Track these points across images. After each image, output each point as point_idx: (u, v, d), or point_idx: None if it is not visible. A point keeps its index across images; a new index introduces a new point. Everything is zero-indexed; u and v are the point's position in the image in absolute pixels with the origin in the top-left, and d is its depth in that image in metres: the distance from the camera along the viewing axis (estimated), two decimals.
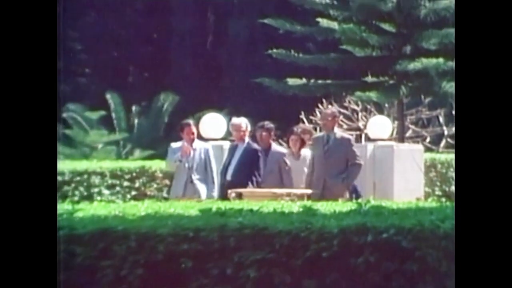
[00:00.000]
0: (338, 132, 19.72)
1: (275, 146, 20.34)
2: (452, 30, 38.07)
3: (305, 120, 30.36)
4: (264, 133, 19.92)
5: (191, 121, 20.34)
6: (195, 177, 18.89)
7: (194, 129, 19.59)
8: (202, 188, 18.74)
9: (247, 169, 18.59)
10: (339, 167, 18.97)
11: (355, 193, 19.09)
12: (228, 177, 18.71)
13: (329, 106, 24.03)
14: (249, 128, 19.62)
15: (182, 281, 7.17)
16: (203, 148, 19.28)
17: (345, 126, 31.17)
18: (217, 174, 19.09)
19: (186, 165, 18.97)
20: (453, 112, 33.42)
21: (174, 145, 19.96)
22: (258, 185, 18.47)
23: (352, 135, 29.94)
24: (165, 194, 21.91)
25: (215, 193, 18.54)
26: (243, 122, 19.82)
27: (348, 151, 19.09)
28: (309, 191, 18.49)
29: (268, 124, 20.22)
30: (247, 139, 19.23)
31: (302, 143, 19.90)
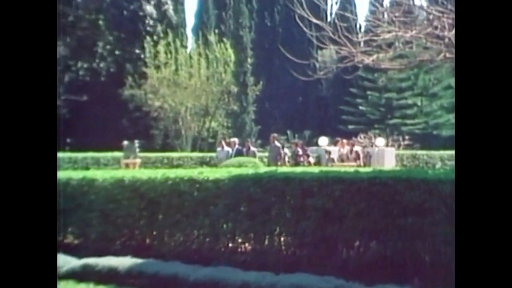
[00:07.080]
0: (275, 143, 18.19)
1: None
2: (407, 111, 37.43)
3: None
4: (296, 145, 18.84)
5: (222, 141, 18.59)
6: (226, 160, 17.27)
7: (224, 143, 17.91)
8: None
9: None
10: (275, 157, 17.58)
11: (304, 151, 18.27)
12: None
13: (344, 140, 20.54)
14: (237, 142, 17.59)
15: (297, 200, 6.52)
16: (227, 150, 17.33)
17: (367, 141, 30.10)
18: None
19: (224, 156, 17.01)
20: (405, 136, 32.03)
21: (218, 148, 18.16)
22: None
23: (365, 145, 28.93)
24: None
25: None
26: (235, 139, 17.99)
27: (277, 151, 17.78)
28: (355, 163, 17.80)
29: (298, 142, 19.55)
30: (236, 146, 17.15)
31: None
